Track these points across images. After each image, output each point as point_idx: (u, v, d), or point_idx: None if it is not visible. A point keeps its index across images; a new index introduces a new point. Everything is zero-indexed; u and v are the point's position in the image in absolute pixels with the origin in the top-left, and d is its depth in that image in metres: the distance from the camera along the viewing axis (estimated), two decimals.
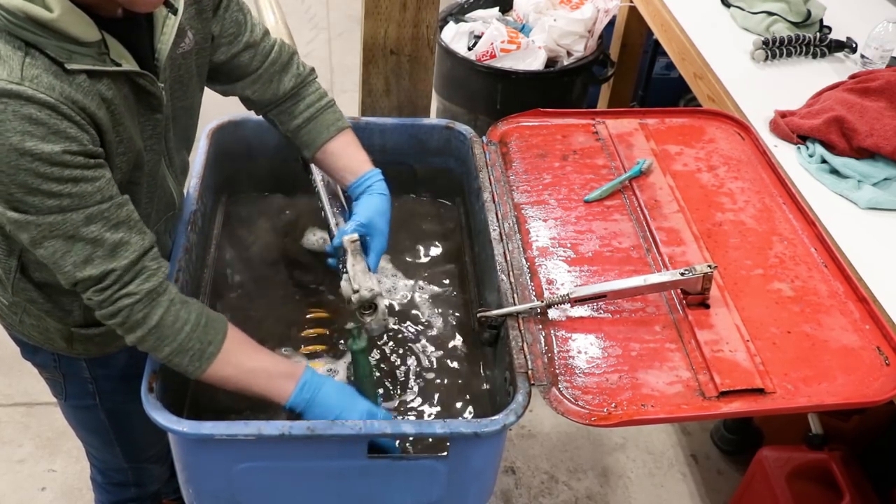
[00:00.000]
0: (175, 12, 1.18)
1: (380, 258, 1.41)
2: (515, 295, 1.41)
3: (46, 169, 1.02)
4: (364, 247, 1.39)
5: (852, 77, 2.07)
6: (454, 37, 2.83)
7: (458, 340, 1.55)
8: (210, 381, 1.24)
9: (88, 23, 1.04)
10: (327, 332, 1.55)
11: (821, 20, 2.43)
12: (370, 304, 1.33)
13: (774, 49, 2.29)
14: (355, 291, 1.32)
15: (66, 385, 1.47)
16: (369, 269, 1.35)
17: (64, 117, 1.01)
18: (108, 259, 1.11)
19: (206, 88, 1.40)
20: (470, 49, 2.78)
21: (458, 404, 1.45)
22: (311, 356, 1.50)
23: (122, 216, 1.12)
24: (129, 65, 1.12)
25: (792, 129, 1.98)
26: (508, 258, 1.47)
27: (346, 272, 1.34)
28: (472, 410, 1.44)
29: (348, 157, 1.46)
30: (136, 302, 1.14)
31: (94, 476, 1.76)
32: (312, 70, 1.51)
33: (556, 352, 1.32)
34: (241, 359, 1.24)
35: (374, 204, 1.42)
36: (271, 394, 1.25)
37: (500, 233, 1.52)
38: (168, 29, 1.18)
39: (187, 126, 1.36)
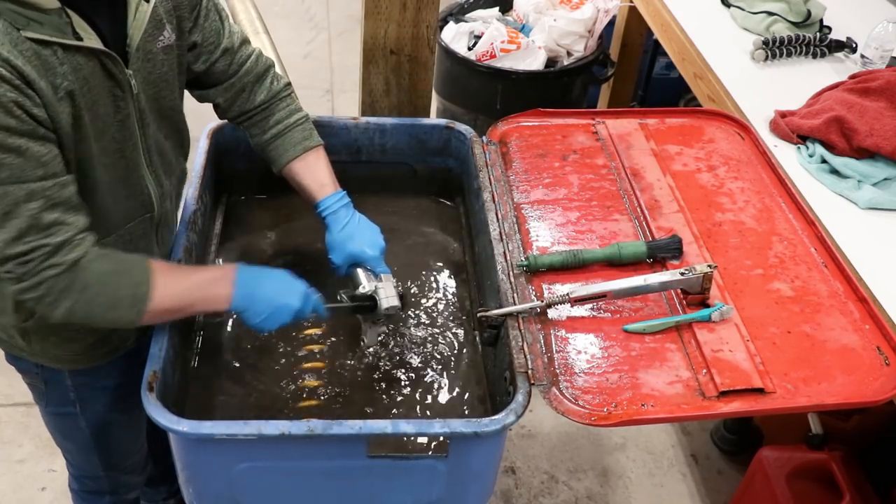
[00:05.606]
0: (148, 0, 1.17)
1: (379, 264, 1.45)
2: (515, 295, 1.41)
3: None
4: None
5: (852, 77, 2.08)
6: (454, 37, 2.83)
7: (457, 340, 1.55)
8: (155, 320, 1.22)
9: None
10: (325, 330, 1.55)
11: (821, 20, 2.44)
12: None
13: (774, 49, 2.29)
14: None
15: (48, 391, 1.46)
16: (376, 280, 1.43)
17: (7, 83, 0.99)
18: (41, 237, 1.08)
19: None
20: (470, 49, 2.78)
21: (458, 404, 1.45)
22: (311, 356, 1.50)
23: (63, 196, 1.09)
24: (91, 42, 1.09)
25: (792, 129, 1.98)
26: (508, 258, 1.47)
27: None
28: (472, 410, 1.44)
29: (311, 177, 1.48)
30: (60, 273, 1.10)
31: (70, 483, 1.74)
32: (288, 85, 1.51)
33: (555, 352, 1.32)
34: (175, 286, 1.22)
35: (334, 239, 1.45)
36: (213, 302, 1.25)
37: (500, 233, 1.52)
38: (140, 15, 1.16)
39: (178, 129, 1.34)
